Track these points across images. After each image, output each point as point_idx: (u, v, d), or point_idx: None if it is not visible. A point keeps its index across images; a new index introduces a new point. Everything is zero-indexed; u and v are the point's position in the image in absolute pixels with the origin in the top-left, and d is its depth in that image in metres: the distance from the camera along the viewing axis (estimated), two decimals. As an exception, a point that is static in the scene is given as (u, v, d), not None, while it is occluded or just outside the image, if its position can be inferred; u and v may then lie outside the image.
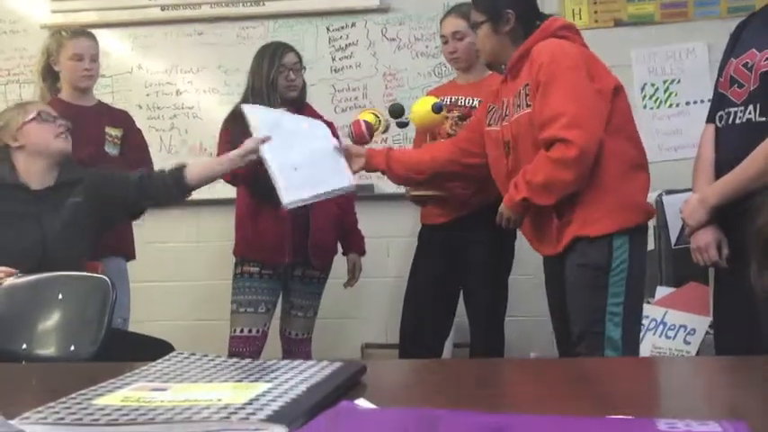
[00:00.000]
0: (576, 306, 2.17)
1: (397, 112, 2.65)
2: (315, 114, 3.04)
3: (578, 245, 2.14)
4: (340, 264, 3.19)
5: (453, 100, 2.88)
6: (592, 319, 2.12)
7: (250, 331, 2.93)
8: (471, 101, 2.87)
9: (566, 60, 2.12)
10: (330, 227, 3.00)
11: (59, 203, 2.33)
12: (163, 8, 3.91)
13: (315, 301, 3.07)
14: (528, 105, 2.17)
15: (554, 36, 2.19)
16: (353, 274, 3.15)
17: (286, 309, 3.07)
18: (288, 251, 2.89)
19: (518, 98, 2.21)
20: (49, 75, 2.95)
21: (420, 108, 2.67)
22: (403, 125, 2.76)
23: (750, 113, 1.96)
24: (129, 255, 3.05)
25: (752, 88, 1.96)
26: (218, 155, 2.93)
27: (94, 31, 3.09)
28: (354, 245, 3.15)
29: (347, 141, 2.73)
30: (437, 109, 2.63)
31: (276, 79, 2.88)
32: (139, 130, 3.11)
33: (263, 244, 2.90)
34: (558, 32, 2.20)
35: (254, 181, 2.79)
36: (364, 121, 2.62)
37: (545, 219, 2.20)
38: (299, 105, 2.98)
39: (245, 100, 2.87)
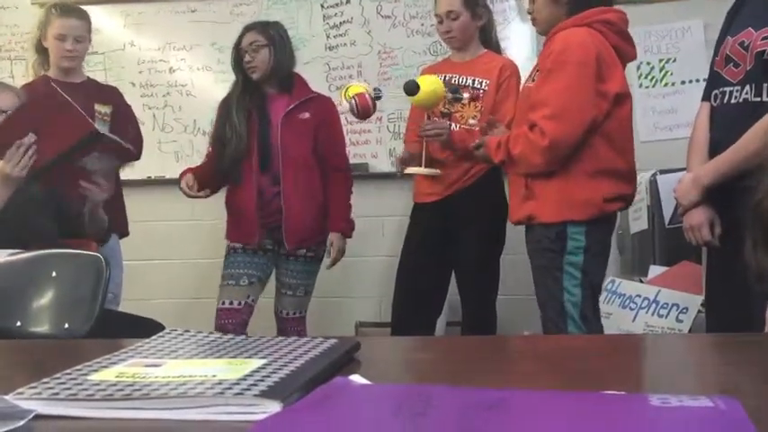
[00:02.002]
0: (536, 285, 2.31)
1: (412, 89, 2.62)
2: (306, 91, 3.04)
3: (536, 228, 2.28)
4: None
5: (448, 78, 2.87)
6: (551, 297, 2.24)
7: (231, 303, 2.96)
8: (465, 79, 2.86)
9: (577, 54, 2.17)
10: (308, 209, 2.96)
11: (22, 187, 2.35)
12: (155, -16, 3.88)
13: (305, 280, 3.06)
14: (533, 80, 2.28)
15: (589, 26, 2.22)
16: (331, 254, 3.06)
17: (277, 287, 3.08)
18: (257, 232, 2.92)
19: (534, 71, 2.32)
20: (41, 50, 2.93)
21: (426, 87, 2.65)
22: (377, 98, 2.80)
23: (747, 93, 1.96)
24: (123, 232, 3.05)
25: (748, 68, 1.96)
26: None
27: (86, 8, 3.06)
28: (334, 224, 3.04)
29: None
30: (454, 92, 2.66)
31: (240, 62, 2.95)
32: (129, 105, 3.10)
33: (237, 225, 2.99)
34: (594, 24, 2.23)
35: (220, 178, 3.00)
36: (368, 93, 2.63)
37: (517, 186, 2.33)
38: (280, 84, 2.98)
39: None
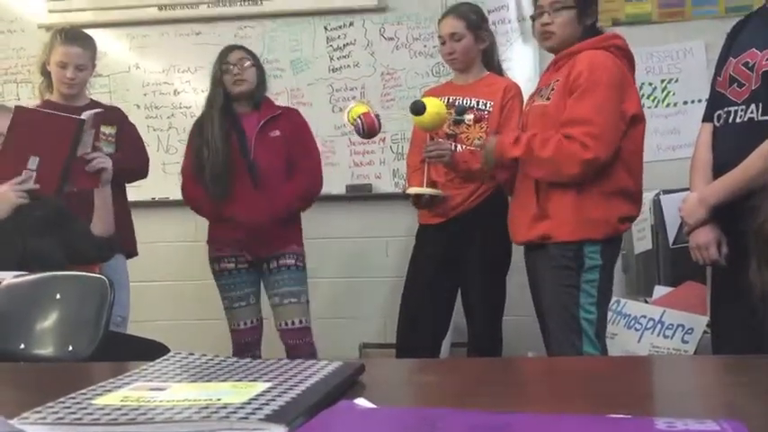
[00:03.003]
0: (551, 304, 2.30)
1: (419, 109, 2.63)
2: (273, 107, 3.10)
3: (550, 248, 2.28)
4: (329, 263, 3.17)
5: (451, 100, 2.88)
6: (567, 316, 2.24)
7: (253, 322, 3.07)
8: (470, 101, 2.87)
9: (606, 75, 2.22)
10: (259, 219, 2.94)
11: (28, 211, 2.35)
12: (160, 8, 3.91)
13: (302, 287, 3.06)
14: (548, 99, 2.28)
15: (606, 49, 2.27)
16: None
17: (276, 302, 3.05)
18: (224, 245, 3.00)
19: (546, 89, 2.32)
20: (46, 73, 2.95)
21: (431, 108, 2.65)
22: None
23: (752, 112, 1.97)
24: (131, 252, 3.05)
25: (754, 87, 1.97)
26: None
27: (91, 31, 3.08)
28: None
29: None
30: (462, 111, 2.67)
31: (221, 77, 3.00)
32: (133, 125, 3.11)
33: (232, 239, 3.03)
34: (610, 48, 2.28)
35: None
36: (372, 112, 2.64)
37: (527, 206, 2.32)
38: (254, 103, 3.03)
39: None
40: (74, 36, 2.91)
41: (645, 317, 2.76)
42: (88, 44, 2.93)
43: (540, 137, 2.24)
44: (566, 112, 2.22)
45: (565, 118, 2.22)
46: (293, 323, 3.04)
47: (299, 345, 3.01)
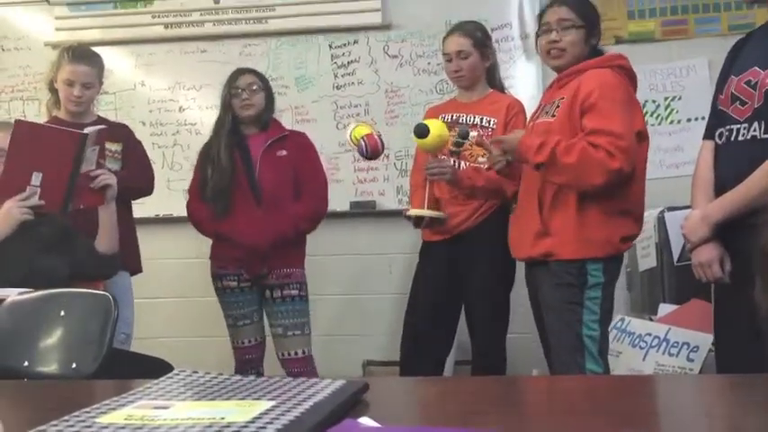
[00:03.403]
0: (554, 321, 2.30)
1: (423, 132, 2.63)
2: (280, 128, 3.12)
3: (552, 265, 2.28)
4: (333, 280, 3.16)
5: (454, 118, 2.89)
6: (571, 333, 2.24)
7: (256, 340, 3.08)
8: (473, 118, 2.88)
9: (619, 93, 2.24)
10: (262, 238, 2.94)
11: (33, 227, 2.36)
12: (166, 26, 3.95)
13: (305, 318, 3.07)
14: (553, 116, 2.28)
15: (611, 69, 2.29)
16: None
17: (279, 332, 3.04)
18: (227, 262, 3.01)
19: (550, 106, 2.32)
20: (54, 90, 2.96)
21: (434, 131, 2.65)
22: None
23: (755, 130, 1.97)
24: (135, 269, 3.05)
25: (756, 105, 1.97)
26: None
27: (97, 49, 3.10)
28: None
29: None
30: (465, 135, 2.67)
31: (230, 101, 3.03)
32: (139, 141, 3.12)
33: (239, 256, 3.02)
34: (615, 67, 2.31)
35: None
36: (375, 133, 2.64)
37: (529, 223, 2.31)
38: (262, 125, 3.06)
39: None
40: (81, 54, 2.92)
41: (650, 335, 2.76)
42: (95, 62, 2.94)
43: (564, 143, 2.21)
44: (588, 123, 2.21)
45: (589, 128, 2.20)
46: (296, 353, 3.04)
47: (304, 373, 3.01)
